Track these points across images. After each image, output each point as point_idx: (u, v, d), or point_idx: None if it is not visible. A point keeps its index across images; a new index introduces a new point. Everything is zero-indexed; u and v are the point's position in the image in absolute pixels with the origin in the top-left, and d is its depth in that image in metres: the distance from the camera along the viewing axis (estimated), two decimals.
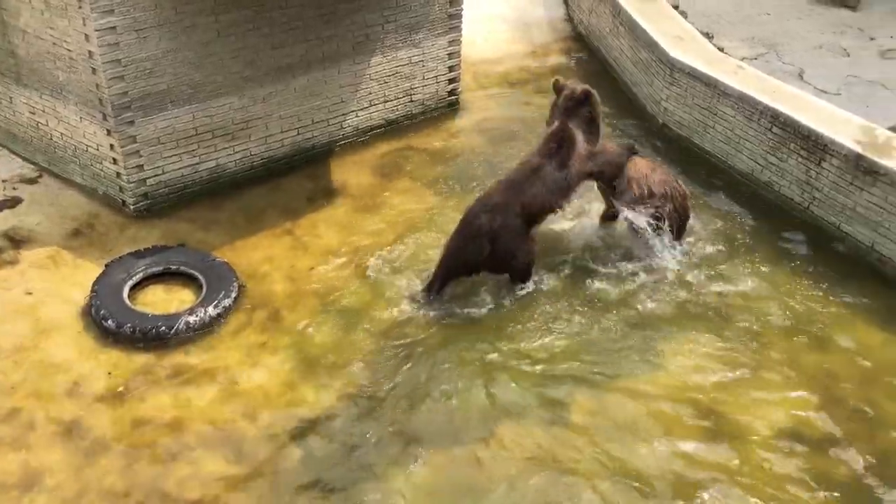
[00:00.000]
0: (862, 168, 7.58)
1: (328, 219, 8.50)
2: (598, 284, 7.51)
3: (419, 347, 6.98)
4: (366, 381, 6.69)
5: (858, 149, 7.62)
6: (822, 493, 5.76)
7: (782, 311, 7.23)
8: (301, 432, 6.27)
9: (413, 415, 6.41)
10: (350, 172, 9.23)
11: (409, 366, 6.80)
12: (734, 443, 6.11)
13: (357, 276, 7.75)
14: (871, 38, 10.58)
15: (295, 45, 8.81)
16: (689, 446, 6.09)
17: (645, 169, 7.75)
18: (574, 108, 7.65)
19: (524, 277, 7.50)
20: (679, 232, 7.79)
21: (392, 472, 5.96)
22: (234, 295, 7.36)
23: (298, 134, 9.26)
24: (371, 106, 9.73)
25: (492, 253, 7.30)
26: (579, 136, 7.54)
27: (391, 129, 9.93)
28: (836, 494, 5.76)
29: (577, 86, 7.78)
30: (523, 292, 7.45)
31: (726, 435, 6.18)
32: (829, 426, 6.24)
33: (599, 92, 10.53)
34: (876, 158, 7.49)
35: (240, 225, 8.36)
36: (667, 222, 7.61)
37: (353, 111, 9.59)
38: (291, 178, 9.07)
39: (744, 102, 8.60)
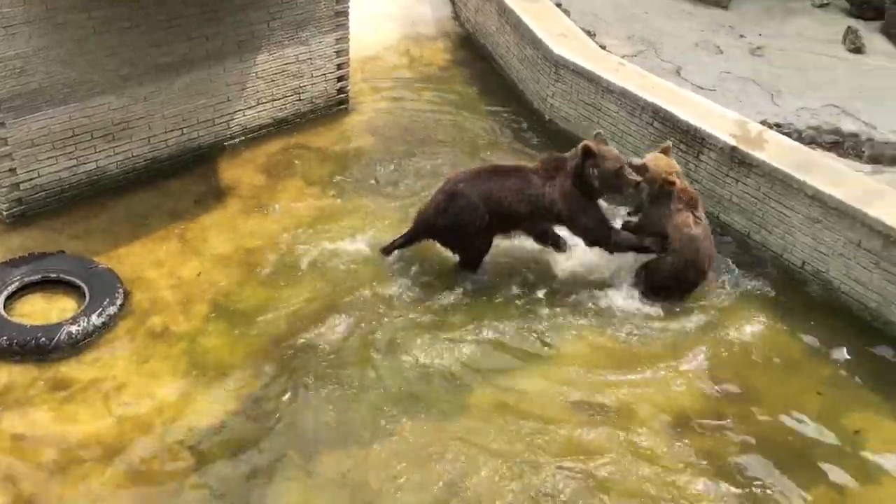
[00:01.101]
0: (737, 160, 7.97)
1: (217, 221, 8.28)
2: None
3: (314, 349, 6.90)
4: (260, 386, 6.57)
5: (733, 142, 8.01)
6: (704, 473, 6.04)
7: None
8: (195, 441, 6.09)
9: (307, 416, 6.34)
10: (239, 173, 9.02)
11: (301, 368, 6.72)
12: (622, 424, 6.36)
13: (249, 278, 7.59)
14: (742, 36, 11.13)
15: (176, 43, 8.52)
16: (581, 430, 6.29)
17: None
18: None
19: (466, 265, 7.61)
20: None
21: (288, 476, 5.89)
22: (119, 302, 7.07)
23: (183, 134, 8.98)
24: (259, 105, 9.53)
25: (444, 225, 7.45)
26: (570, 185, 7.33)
27: (281, 128, 9.76)
28: (717, 475, 6.05)
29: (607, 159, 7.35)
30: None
31: (615, 419, 6.41)
32: (712, 408, 6.54)
33: (487, 89, 10.75)
34: (749, 151, 7.89)
35: (124, 229, 8.04)
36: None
37: (240, 110, 9.37)
38: (178, 180, 8.78)
39: (626, 98, 8.89)
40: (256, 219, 8.34)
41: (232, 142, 9.42)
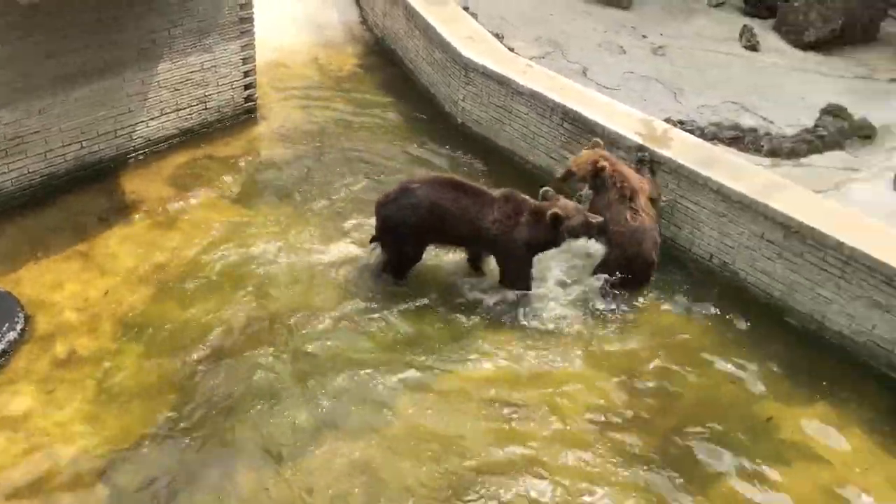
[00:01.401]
0: (645, 158, 8.15)
1: (124, 237, 7.98)
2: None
3: (230, 366, 6.72)
4: (173, 406, 6.37)
5: (640, 140, 8.20)
6: (625, 464, 6.16)
7: (586, 303, 7.59)
8: (107, 468, 5.85)
9: (224, 435, 6.18)
10: (145, 186, 8.72)
11: (217, 385, 6.55)
12: (547, 419, 6.44)
13: (160, 295, 7.34)
14: (644, 36, 11.43)
15: (73, 53, 8.18)
16: (507, 425, 6.35)
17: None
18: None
19: (392, 269, 7.60)
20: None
21: (206, 497, 5.71)
22: (19, 327, 6.73)
23: (83, 147, 8.62)
24: (162, 115, 9.24)
25: (385, 215, 7.46)
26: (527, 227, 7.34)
27: (187, 138, 9.48)
28: (637, 465, 6.18)
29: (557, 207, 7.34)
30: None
31: (539, 415, 6.48)
32: (630, 401, 6.68)
33: (399, 94, 10.70)
34: (656, 149, 8.09)
35: (23, 250, 7.67)
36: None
37: (142, 121, 9.06)
38: (79, 196, 8.44)
39: (536, 100, 9.00)
40: (165, 233, 8.07)
41: (136, 154, 9.10)
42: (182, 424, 6.24)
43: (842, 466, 6.23)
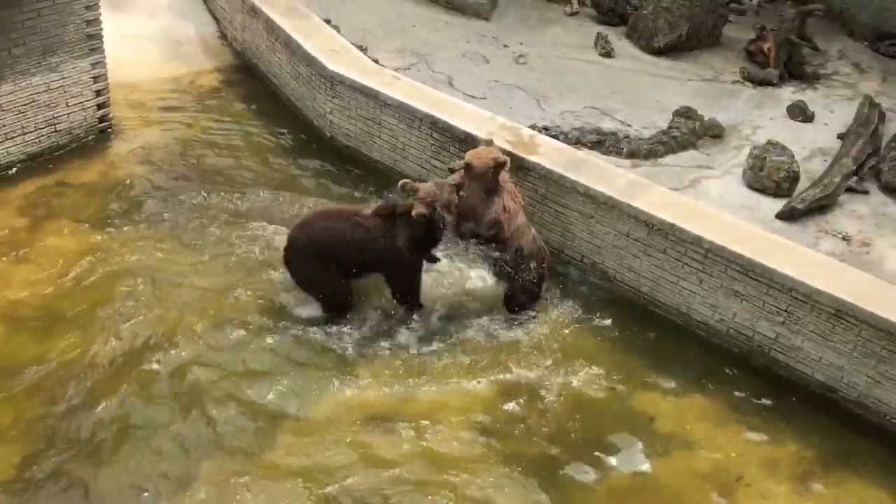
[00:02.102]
0: (514, 164, 8.29)
1: None
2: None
3: (91, 404, 6.39)
4: (32, 452, 6.02)
5: (508, 147, 8.34)
6: (506, 471, 6.24)
7: (477, 314, 7.68)
8: None
9: (87, 476, 5.91)
10: None
11: (79, 427, 6.23)
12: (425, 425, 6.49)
13: (14, 333, 6.88)
14: (505, 46, 11.67)
15: None
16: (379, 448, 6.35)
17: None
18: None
19: (329, 309, 7.38)
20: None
21: None
22: None
23: None
24: (7, 140, 8.65)
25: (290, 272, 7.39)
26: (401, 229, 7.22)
27: (37, 163, 8.92)
28: (519, 470, 6.28)
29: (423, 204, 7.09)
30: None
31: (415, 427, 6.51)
32: (507, 412, 6.78)
33: (263, 109, 10.45)
34: (523, 155, 8.26)
35: None
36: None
37: None
38: None
39: (404, 111, 9.01)
40: (17, 266, 7.56)
41: None
42: (41, 471, 5.87)
43: (718, 453, 6.55)
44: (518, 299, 7.66)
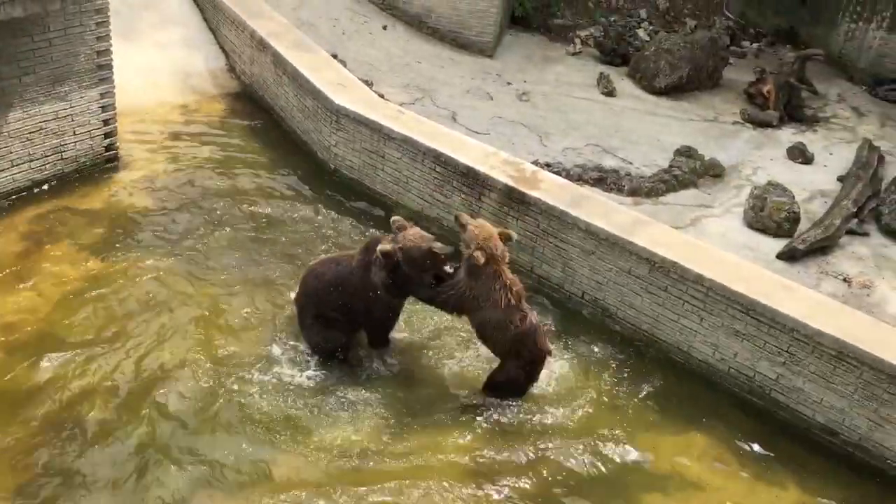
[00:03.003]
0: (516, 199, 8.36)
1: None
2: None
3: (89, 431, 6.36)
4: (30, 477, 5.98)
5: (511, 182, 8.41)
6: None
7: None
8: None
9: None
10: None
11: (73, 457, 6.18)
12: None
13: (13, 358, 6.85)
14: (509, 83, 11.82)
15: None
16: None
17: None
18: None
19: (312, 351, 7.30)
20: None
21: None
22: None
23: None
24: (13, 167, 8.70)
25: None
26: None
27: (42, 190, 8.95)
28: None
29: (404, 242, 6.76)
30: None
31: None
32: (505, 450, 6.72)
33: (268, 141, 10.50)
34: (525, 190, 8.31)
35: None
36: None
37: None
38: None
39: (408, 144, 9.08)
40: (16, 291, 7.55)
41: None
42: (33, 500, 5.81)
43: (715, 493, 6.49)
44: (496, 382, 7.08)
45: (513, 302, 6.73)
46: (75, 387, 6.69)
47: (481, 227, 6.79)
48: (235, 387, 6.89)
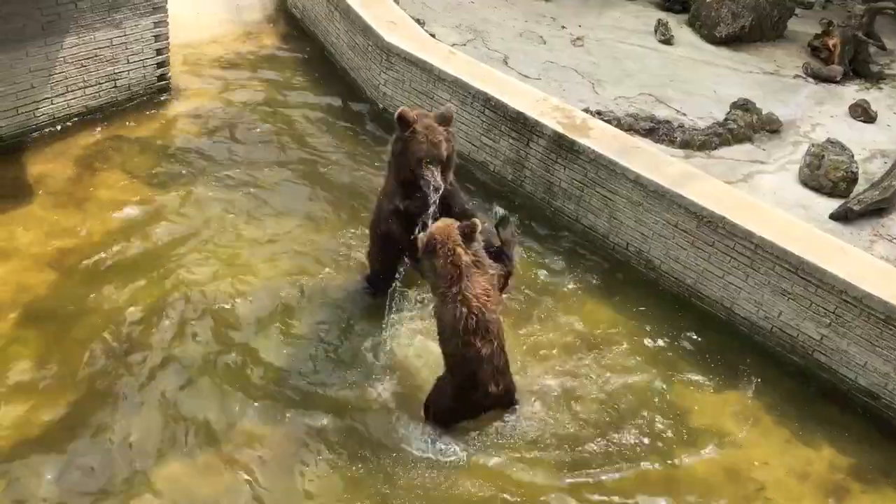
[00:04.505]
0: (565, 147, 8.25)
1: (24, 218, 7.61)
2: None
3: (140, 355, 6.51)
4: (80, 397, 6.16)
5: (560, 129, 8.28)
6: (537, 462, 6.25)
7: None
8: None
9: (133, 428, 6.02)
10: (49, 166, 8.31)
11: (125, 379, 6.34)
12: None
13: (65, 280, 7.03)
14: (563, 27, 11.54)
15: None
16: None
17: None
18: None
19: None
20: None
21: (117, 490, 5.53)
22: None
23: None
24: (69, 92, 8.82)
25: None
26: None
27: (95, 117, 9.08)
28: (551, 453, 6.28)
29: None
30: None
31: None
32: (543, 399, 6.77)
33: (318, 77, 10.48)
34: (575, 138, 8.19)
35: None
36: None
37: (46, 98, 8.63)
38: None
39: (458, 87, 8.97)
40: (71, 215, 7.73)
41: (39, 132, 8.66)
42: (83, 420, 6.00)
43: (749, 451, 6.46)
44: (432, 399, 6.19)
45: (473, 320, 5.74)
46: (125, 311, 6.84)
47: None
48: (280, 313, 7.00)
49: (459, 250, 5.83)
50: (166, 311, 6.87)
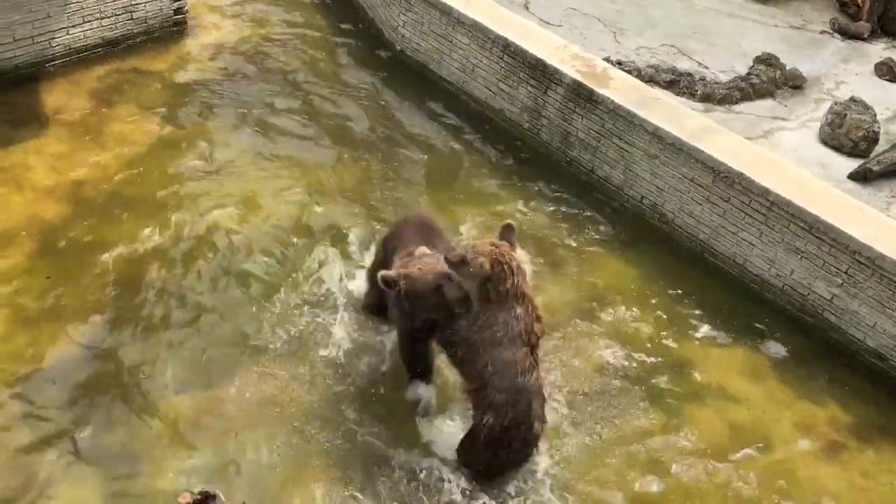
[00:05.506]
0: (583, 96, 8.14)
1: (40, 149, 7.63)
2: None
3: (156, 288, 6.57)
4: (97, 330, 6.22)
5: (580, 78, 8.16)
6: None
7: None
8: (16, 383, 5.68)
9: (153, 359, 6.09)
10: (65, 97, 8.30)
11: (140, 309, 6.40)
12: None
13: (81, 212, 7.08)
14: None
15: None
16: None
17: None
18: None
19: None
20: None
21: (137, 421, 5.66)
22: None
23: None
24: (85, 23, 8.74)
25: None
26: None
27: (111, 49, 9.02)
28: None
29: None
30: None
31: None
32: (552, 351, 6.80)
33: (337, 17, 10.33)
34: (594, 87, 8.08)
35: None
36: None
37: (63, 28, 8.57)
38: None
39: (477, 30, 8.84)
40: (86, 148, 7.74)
41: (55, 63, 8.62)
42: (98, 346, 6.11)
43: (753, 407, 6.50)
44: (467, 446, 5.57)
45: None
46: (141, 245, 6.89)
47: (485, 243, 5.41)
48: (290, 254, 7.05)
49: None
50: (179, 245, 6.91)
